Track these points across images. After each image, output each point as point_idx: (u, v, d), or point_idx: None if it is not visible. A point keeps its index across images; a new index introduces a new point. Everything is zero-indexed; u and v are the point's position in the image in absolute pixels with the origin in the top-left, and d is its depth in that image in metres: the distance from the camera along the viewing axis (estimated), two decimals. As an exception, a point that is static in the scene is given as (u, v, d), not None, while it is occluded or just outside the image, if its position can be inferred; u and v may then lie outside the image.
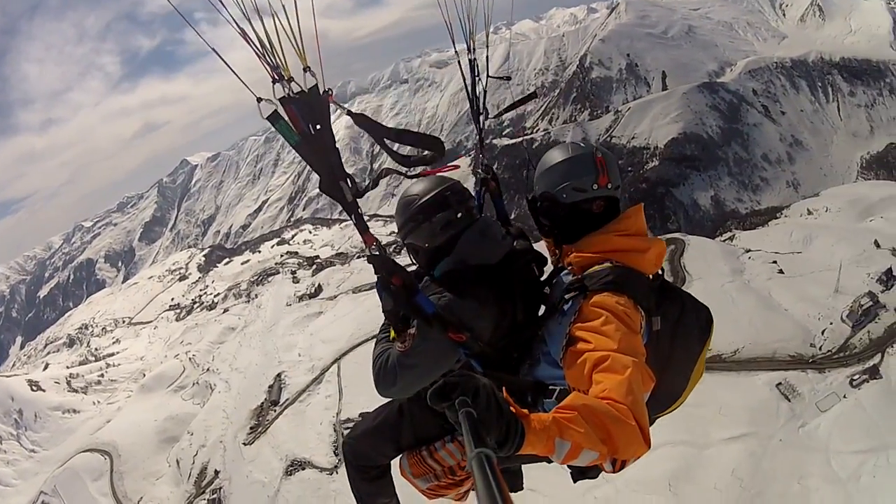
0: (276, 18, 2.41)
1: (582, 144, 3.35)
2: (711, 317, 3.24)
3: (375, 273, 2.95)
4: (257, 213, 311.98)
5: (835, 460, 44.20)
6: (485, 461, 1.43)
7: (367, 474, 3.75)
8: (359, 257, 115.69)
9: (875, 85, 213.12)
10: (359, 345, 76.09)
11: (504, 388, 2.01)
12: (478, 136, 4.66)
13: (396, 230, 3.46)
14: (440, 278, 3.23)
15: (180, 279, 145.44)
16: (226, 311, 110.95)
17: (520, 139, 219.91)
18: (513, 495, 3.79)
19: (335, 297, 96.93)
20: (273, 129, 2.56)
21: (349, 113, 2.86)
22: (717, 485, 42.80)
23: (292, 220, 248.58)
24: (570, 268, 3.15)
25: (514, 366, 3.21)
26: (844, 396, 50.25)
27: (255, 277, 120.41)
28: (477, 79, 4.53)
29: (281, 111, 2.50)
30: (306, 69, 2.54)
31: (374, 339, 3.42)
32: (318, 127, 2.61)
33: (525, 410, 1.99)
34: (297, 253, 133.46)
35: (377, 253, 2.95)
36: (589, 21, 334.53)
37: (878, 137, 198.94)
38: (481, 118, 4.57)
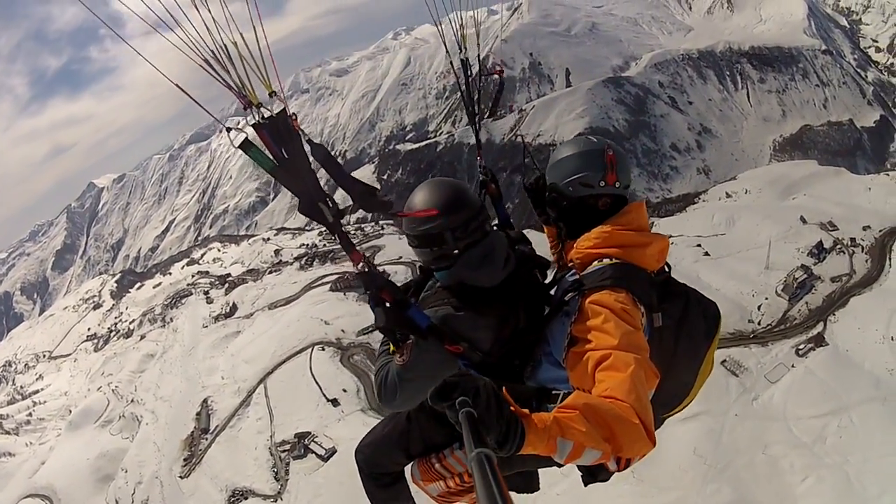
0: (238, 50, 2.55)
1: (595, 140, 3.43)
2: (719, 312, 3.33)
3: (365, 290, 2.98)
4: (165, 233, 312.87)
5: (795, 427, 46.98)
6: (484, 461, 1.48)
7: (381, 481, 3.86)
8: (270, 272, 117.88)
9: (787, 71, 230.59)
10: (282, 363, 77.47)
11: (504, 389, 2.06)
12: (476, 138, 4.77)
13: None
14: (440, 288, 3.33)
15: (95, 308, 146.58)
16: (143, 337, 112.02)
17: (423, 143, 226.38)
18: (524, 496, 3.73)
19: (251, 314, 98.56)
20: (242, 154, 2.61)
21: (309, 142, 2.87)
22: (681, 465, 44.32)
23: (200, 238, 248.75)
24: (571, 264, 3.27)
25: (516, 372, 3.28)
26: (793, 366, 53.79)
27: (169, 300, 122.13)
28: (470, 78, 4.68)
29: (251, 136, 2.63)
30: (272, 94, 2.70)
31: (377, 354, 3.48)
32: (291, 150, 2.70)
33: (525, 410, 2.04)
34: (207, 272, 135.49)
35: (365, 270, 2.97)
36: (489, 23, 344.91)
37: (790, 120, 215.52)
38: (476, 118, 4.68)
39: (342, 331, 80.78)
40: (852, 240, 73.83)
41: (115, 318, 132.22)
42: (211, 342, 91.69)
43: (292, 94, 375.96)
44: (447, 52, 4.62)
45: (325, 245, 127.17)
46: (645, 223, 3.23)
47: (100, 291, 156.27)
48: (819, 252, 72.15)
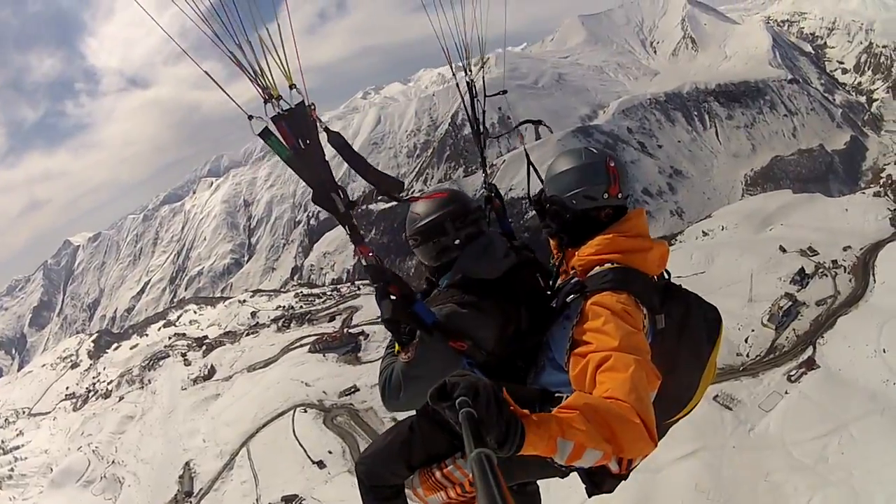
0: (263, 44, 2.73)
1: (595, 151, 3.52)
2: (720, 317, 3.37)
3: (372, 283, 3.09)
4: (140, 294, 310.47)
5: (795, 450, 47.16)
6: (484, 461, 1.47)
7: (381, 494, 3.85)
8: (248, 334, 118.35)
9: (754, 104, 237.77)
10: (265, 425, 77.32)
11: (505, 389, 2.09)
12: (480, 157, 4.93)
13: (408, 240, 3.71)
14: (445, 289, 3.42)
15: (72, 367, 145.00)
16: (121, 398, 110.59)
17: (396, 202, 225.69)
18: None
19: (230, 377, 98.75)
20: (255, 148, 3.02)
21: (326, 129, 3.02)
22: (683, 502, 44.23)
23: (175, 300, 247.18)
24: (573, 272, 3.31)
25: (520, 375, 3.34)
26: (786, 392, 54.30)
27: (146, 362, 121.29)
28: (475, 100, 4.86)
29: (272, 128, 2.78)
30: (292, 87, 2.82)
31: (383, 356, 3.59)
32: (308, 141, 2.85)
33: (526, 411, 2.07)
34: (184, 334, 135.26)
35: (373, 263, 3.09)
36: (457, 80, 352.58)
37: (760, 154, 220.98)
38: (483, 138, 4.90)
39: (324, 392, 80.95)
40: (834, 262, 75.21)
41: (93, 378, 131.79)
42: (190, 404, 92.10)
43: (263, 154, 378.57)
44: (453, 74, 4.71)
45: (301, 307, 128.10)
46: (645, 230, 3.29)
47: (77, 351, 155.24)
48: (801, 279, 73.23)
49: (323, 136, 2.97)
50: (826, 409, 50.43)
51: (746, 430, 51.31)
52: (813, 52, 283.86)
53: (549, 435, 2.04)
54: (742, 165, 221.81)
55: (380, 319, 3.18)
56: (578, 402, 2.20)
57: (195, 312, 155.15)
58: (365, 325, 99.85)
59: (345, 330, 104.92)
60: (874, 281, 69.03)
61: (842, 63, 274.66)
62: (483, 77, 4.82)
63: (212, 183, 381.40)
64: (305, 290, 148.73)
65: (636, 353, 2.53)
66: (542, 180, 3.94)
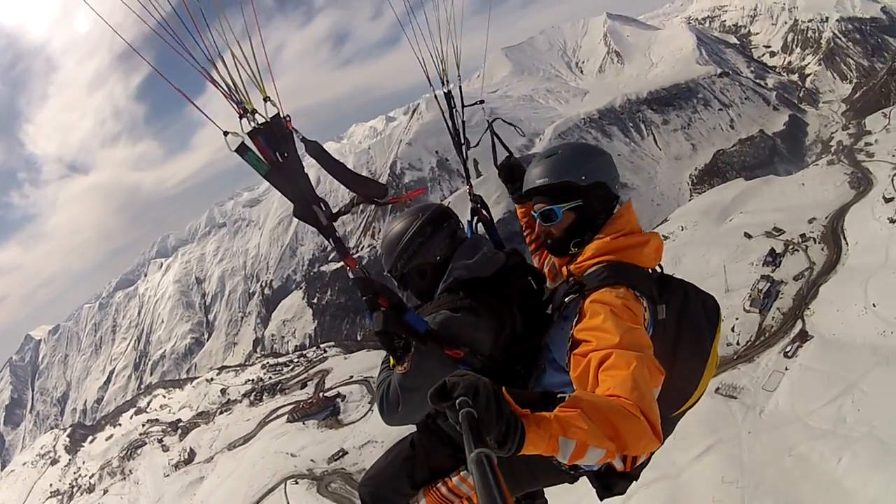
0: (235, 57, 2.77)
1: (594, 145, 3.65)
2: (718, 305, 3.41)
3: (362, 296, 3.13)
4: (107, 384, 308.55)
5: (811, 420, 48.04)
6: (484, 461, 1.51)
7: None
8: (221, 413, 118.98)
9: (688, 105, 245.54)
10: (258, 502, 76.64)
11: (504, 389, 2.12)
12: (463, 167, 5.02)
13: (391, 266, 3.59)
14: (437, 296, 3.41)
15: (52, 463, 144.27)
16: (105, 492, 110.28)
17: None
18: None
19: (212, 458, 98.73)
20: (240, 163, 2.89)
21: (304, 139, 3.03)
22: (714, 498, 44.37)
23: (143, 386, 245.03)
24: (570, 278, 3.30)
25: (519, 380, 3.36)
26: (786, 369, 55.67)
27: (124, 452, 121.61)
28: (454, 111, 4.85)
29: (249, 144, 2.81)
30: (266, 99, 2.83)
31: (379, 372, 3.58)
32: (286, 154, 2.88)
33: (526, 411, 2.09)
34: (157, 420, 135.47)
35: (361, 275, 3.15)
36: (390, 129, 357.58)
37: (702, 152, 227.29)
38: (463, 148, 4.89)
39: (311, 461, 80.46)
40: (802, 236, 77.99)
41: (75, 473, 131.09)
42: (176, 491, 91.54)
43: (209, 229, 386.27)
44: (430, 85, 4.59)
45: (270, 378, 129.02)
46: (637, 224, 3.31)
47: (54, 447, 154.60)
48: (773, 259, 75.44)
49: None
50: (830, 374, 51.63)
51: (757, 414, 51.98)
52: (738, 42, 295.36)
53: (549, 434, 2.05)
54: (685, 167, 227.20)
55: (371, 332, 3.21)
56: (579, 401, 2.22)
57: (164, 397, 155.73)
58: (339, 386, 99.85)
59: (320, 394, 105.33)
60: (847, 244, 71.80)
61: (769, 47, 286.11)
62: (460, 87, 4.81)
63: (161, 264, 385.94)
64: (271, 361, 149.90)
65: (637, 349, 2.57)
66: (508, 150, 4.68)
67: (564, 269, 3.34)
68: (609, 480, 3.00)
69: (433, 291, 3.46)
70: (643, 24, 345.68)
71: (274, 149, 2.82)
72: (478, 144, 4.97)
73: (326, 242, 3.15)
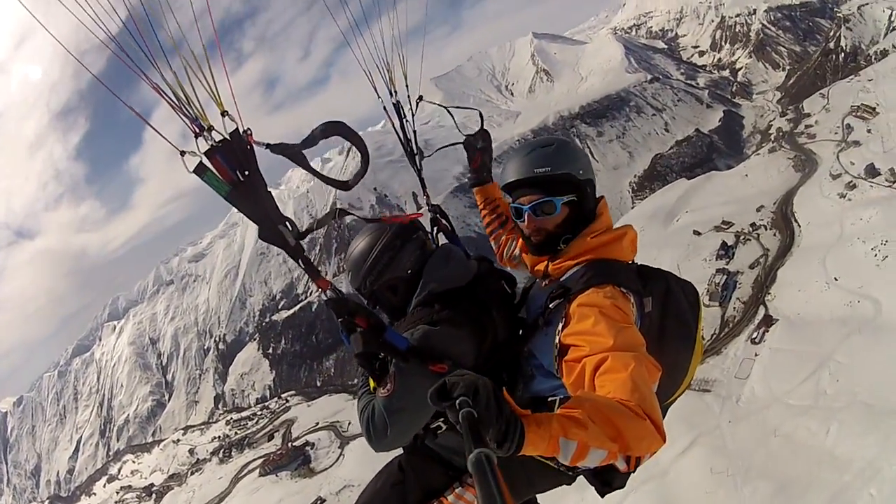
0: (187, 68, 2.57)
1: None
2: (697, 291, 3.44)
3: (337, 318, 2.99)
4: (76, 453, 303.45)
5: (791, 398, 48.57)
6: (484, 461, 1.50)
7: None
8: (192, 473, 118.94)
9: (621, 114, 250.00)
10: None
11: (504, 389, 2.13)
12: (419, 177, 4.80)
13: (359, 284, 3.49)
14: (412, 312, 3.33)
15: None
16: None
17: (297, 307, 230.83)
18: None
19: None
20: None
21: (268, 146, 2.88)
22: (706, 490, 44.38)
23: (111, 453, 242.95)
24: (546, 280, 3.32)
25: (506, 388, 3.10)
26: (756, 355, 56.37)
27: None
28: (405, 121, 4.72)
29: (207, 163, 2.62)
30: (224, 114, 2.64)
31: (358, 395, 3.45)
32: (247, 172, 2.68)
33: (527, 411, 2.10)
34: (130, 486, 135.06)
35: (335, 296, 2.99)
36: (326, 171, 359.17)
37: (639, 159, 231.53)
38: (417, 158, 4.76)
39: None
40: (752, 225, 79.66)
41: None
42: None
43: (157, 287, 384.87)
44: (379, 97, 4.54)
45: (236, 433, 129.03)
46: (611, 220, 3.29)
47: None
48: (726, 251, 76.86)
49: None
50: (802, 352, 52.46)
51: (734, 402, 52.38)
52: (666, 46, 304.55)
53: (549, 434, 2.04)
54: (624, 175, 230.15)
55: (351, 355, 3.06)
56: (581, 402, 2.21)
57: (134, 462, 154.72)
58: (307, 434, 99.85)
59: (289, 445, 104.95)
60: (798, 226, 73.44)
61: (697, 47, 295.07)
62: (409, 96, 4.68)
63: (115, 327, 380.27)
64: (235, 416, 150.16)
65: (632, 348, 2.53)
66: (469, 134, 4.73)
67: (540, 267, 3.33)
68: (607, 475, 2.85)
69: (406, 307, 3.40)
70: (570, 39, 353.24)
71: (234, 167, 2.61)
72: (431, 155, 4.95)
73: (295, 264, 2.92)
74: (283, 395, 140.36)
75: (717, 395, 54.12)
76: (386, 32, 4.26)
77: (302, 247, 2.84)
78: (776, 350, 55.38)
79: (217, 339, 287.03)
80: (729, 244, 78.00)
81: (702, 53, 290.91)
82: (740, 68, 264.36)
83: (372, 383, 3.19)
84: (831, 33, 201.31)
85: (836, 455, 40.57)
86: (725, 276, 72.24)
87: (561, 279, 3.12)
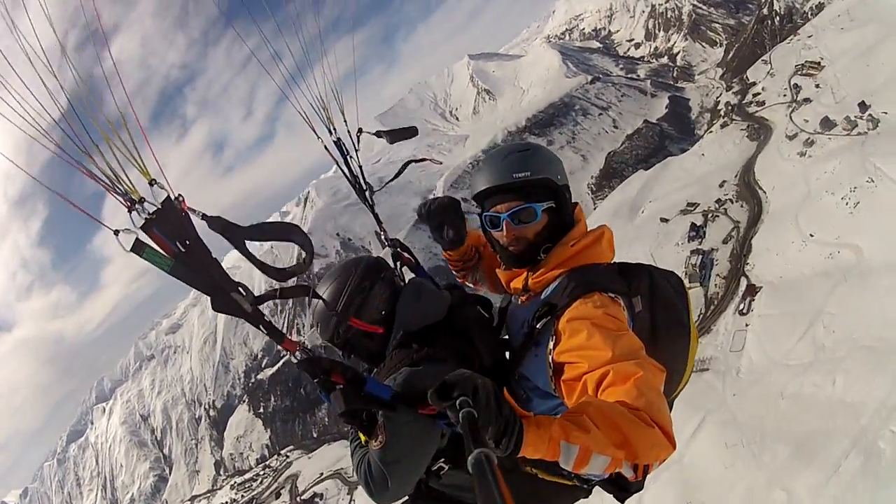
0: (110, 143, 2.45)
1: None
2: (680, 278, 3.37)
3: (312, 378, 2.80)
4: None
5: (790, 359, 48.93)
6: (484, 461, 1.48)
7: None
8: None
9: (567, 119, 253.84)
10: None
11: (505, 389, 2.15)
12: (372, 212, 4.64)
13: (331, 334, 3.39)
14: (390, 356, 3.24)
15: None
16: None
17: (281, 363, 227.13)
18: None
19: None
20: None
21: (204, 217, 2.70)
22: (724, 464, 44.30)
23: None
24: (524, 295, 3.21)
25: None
26: (747, 325, 56.86)
27: None
28: (349, 157, 4.59)
29: (144, 239, 2.45)
30: (152, 183, 2.49)
31: (351, 451, 3.34)
32: (188, 241, 2.52)
33: (529, 413, 2.10)
34: None
35: (305, 356, 2.84)
36: (287, 220, 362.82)
37: (593, 159, 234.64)
38: (367, 194, 4.58)
39: None
40: (717, 201, 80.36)
41: None
42: None
43: (139, 364, 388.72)
44: (318, 137, 4.45)
45: (242, 496, 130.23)
46: (585, 223, 3.20)
47: None
48: (697, 232, 77.38)
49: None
50: (793, 313, 52.85)
51: (735, 375, 52.53)
52: (601, 45, 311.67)
53: (550, 436, 2.04)
54: (581, 179, 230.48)
55: (336, 414, 2.84)
56: (586, 406, 2.20)
57: None
58: (313, 486, 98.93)
59: (297, 500, 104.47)
60: (764, 192, 74.34)
61: (632, 40, 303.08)
62: (349, 132, 4.58)
63: (104, 409, 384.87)
64: (238, 479, 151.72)
65: (632, 356, 2.47)
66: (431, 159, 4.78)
67: (517, 283, 3.19)
68: (623, 481, 2.60)
69: (384, 350, 3.30)
70: (506, 55, 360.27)
71: (172, 238, 2.45)
72: (381, 189, 4.85)
73: (258, 330, 2.73)
74: (282, 452, 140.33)
75: (716, 371, 54.12)
76: (318, 74, 4.17)
77: (260, 312, 2.63)
78: (766, 316, 55.82)
79: (207, 406, 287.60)
80: (698, 224, 78.41)
81: (638, 45, 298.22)
82: (678, 52, 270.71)
83: (363, 437, 3.05)
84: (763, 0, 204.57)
85: (847, 403, 40.64)
86: (701, 256, 72.70)
87: (543, 294, 3.02)
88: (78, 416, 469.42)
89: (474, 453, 1.51)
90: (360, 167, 4.52)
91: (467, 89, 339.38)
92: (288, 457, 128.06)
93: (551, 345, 2.72)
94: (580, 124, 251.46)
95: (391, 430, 2.87)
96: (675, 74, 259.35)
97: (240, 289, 2.56)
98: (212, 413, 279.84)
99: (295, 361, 2.73)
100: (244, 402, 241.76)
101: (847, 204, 59.80)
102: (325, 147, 4.43)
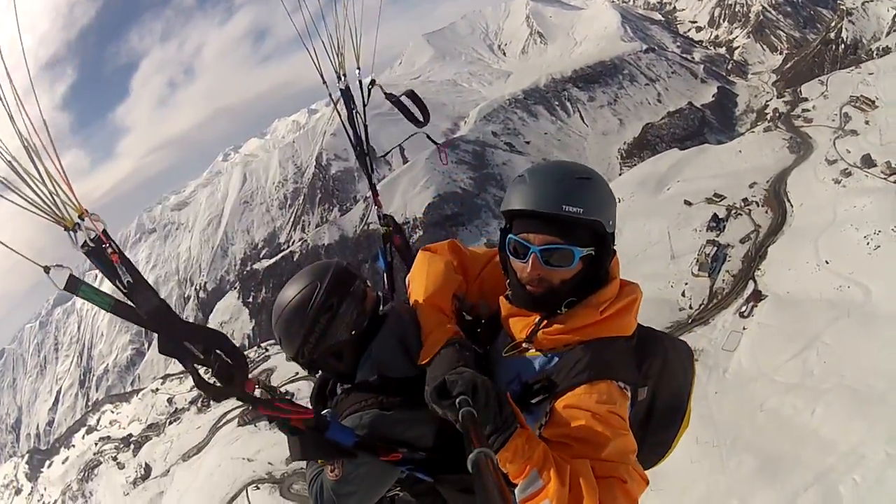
0: (35, 161, 2.02)
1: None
2: (691, 351, 3.17)
3: (270, 421, 2.66)
4: (56, 405, 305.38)
5: (777, 375, 50.14)
6: (484, 461, 1.48)
7: None
8: (170, 423, 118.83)
9: (613, 82, 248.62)
10: None
11: (508, 394, 2.15)
12: (368, 182, 4.21)
13: (294, 353, 3.01)
14: (360, 386, 2.94)
15: (16, 493, 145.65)
16: None
17: (279, 256, 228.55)
18: None
19: (168, 471, 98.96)
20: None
21: (129, 265, 2.29)
22: (692, 459, 45.11)
23: (90, 404, 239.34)
24: (528, 344, 2.73)
25: None
26: (744, 328, 57.74)
27: (81, 474, 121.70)
28: (355, 112, 4.12)
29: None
30: (82, 215, 2.12)
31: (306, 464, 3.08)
32: (130, 276, 2.23)
33: (528, 427, 2.12)
34: (109, 437, 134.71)
35: (260, 398, 2.57)
36: (313, 122, 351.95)
37: (629, 126, 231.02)
38: (368, 159, 4.17)
39: (269, 464, 79.96)
40: (744, 200, 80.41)
41: (38, 501, 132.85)
42: None
43: (139, 236, 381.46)
44: (324, 82, 3.87)
45: (215, 383, 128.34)
46: (619, 281, 2.75)
47: (15, 475, 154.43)
48: (717, 223, 77.66)
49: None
50: (790, 330, 53.85)
51: (721, 374, 53.81)
52: (663, 18, 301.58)
53: (528, 456, 2.01)
54: (613, 142, 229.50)
55: (290, 459, 2.77)
56: (579, 465, 2.12)
57: (112, 412, 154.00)
58: (286, 384, 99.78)
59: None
60: (791, 206, 74.53)
61: (695, 22, 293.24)
62: (361, 83, 4.06)
63: (96, 276, 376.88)
64: None
65: (624, 459, 2.29)
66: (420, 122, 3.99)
67: (522, 327, 2.70)
68: None
69: (354, 371, 2.97)
70: (566, 4, 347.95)
71: (114, 274, 2.19)
72: (386, 155, 4.49)
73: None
74: (262, 345, 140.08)
75: (705, 364, 54.98)
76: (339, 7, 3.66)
77: (219, 356, 2.38)
78: (764, 325, 56.75)
79: (198, 287, 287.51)
80: (720, 217, 78.86)
81: (699, 29, 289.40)
82: (737, 47, 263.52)
83: (319, 462, 2.84)
84: (833, 24, 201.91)
85: (821, 435, 42.11)
86: (716, 248, 73.18)
87: (548, 355, 2.64)
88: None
89: (474, 453, 1.50)
90: (366, 126, 4.14)
91: (520, 28, 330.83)
92: (267, 350, 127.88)
93: (543, 420, 2.46)
94: (625, 89, 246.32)
95: (348, 467, 2.70)
96: (728, 67, 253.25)
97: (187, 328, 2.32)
98: (201, 295, 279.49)
99: (249, 403, 2.47)
100: (235, 288, 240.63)
101: (868, 244, 60.24)
102: (330, 95, 4.00)
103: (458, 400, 1.90)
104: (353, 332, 2.94)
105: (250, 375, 2.45)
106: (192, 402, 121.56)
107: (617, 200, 2.73)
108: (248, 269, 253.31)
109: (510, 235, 2.65)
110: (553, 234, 2.51)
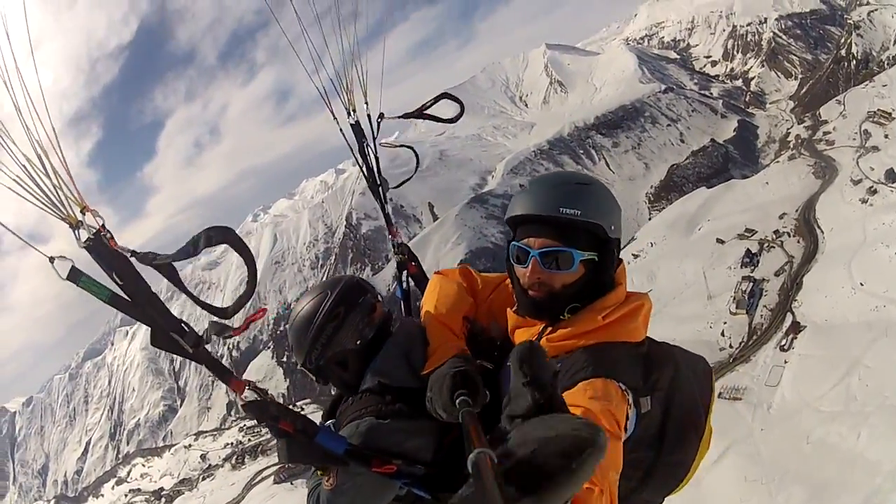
0: (42, 161, 2.13)
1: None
2: (709, 368, 3.11)
3: (259, 423, 2.71)
4: (85, 455, 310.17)
5: (822, 404, 49.52)
6: (484, 461, 1.46)
7: None
8: (203, 479, 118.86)
9: (636, 125, 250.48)
10: None
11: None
12: (382, 212, 4.19)
13: (303, 360, 3.10)
14: (360, 396, 2.99)
15: None
16: None
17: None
18: None
19: None
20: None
21: (133, 253, 2.39)
22: (741, 498, 44.95)
23: (121, 456, 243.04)
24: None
25: None
26: (785, 362, 57.09)
27: None
28: (366, 145, 4.08)
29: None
30: (84, 210, 2.22)
31: (308, 477, 3.15)
32: (126, 273, 2.34)
33: None
34: (139, 489, 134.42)
35: (253, 398, 2.63)
36: (340, 182, 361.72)
37: (655, 169, 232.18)
38: (381, 190, 4.15)
39: None
40: (775, 232, 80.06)
41: None
42: None
43: (171, 294, 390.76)
44: (335, 118, 3.91)
45: (250, 440, 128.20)
46: (625, 288, 2.77)
47: None
48: (751, 259, 77.29)
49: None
50: (831, 358, 53.29)
51: (765, 410, 53.12)
52: (679, 56, 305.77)
53: None
54: (640, 186, 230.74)
55: (279, 462, 2.90)
56: None
57: (144, 465, 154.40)
58: None
59: None
60: (822, 232, 74.27)
61: (709, 56, 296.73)
62: (369, 117, 4.03)
63: (127, 332, 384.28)
64: (249, 423, 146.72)
65: (602, 472, 2.08)
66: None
67: (526, 336, 2.73)
68: None
69: (359, 381, 3.01)
70: (582, 50, 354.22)
71: (112, 269, 2.27)
72: (399, 186, 4.47)
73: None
74: (297, 404, 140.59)
75: (749, 402, 54.74)
76: (345, 47, 3.77)
77: (205, 351, 2.49)
78: (805, 356, 56.17)
79: (231, 346, 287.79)
80: (753, 252, 78.53)
81: (714, 63, 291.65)
82: (753, 77, 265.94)
83: (317, 471, 2.89)
84: (842, 40, 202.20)
85: (867, 458, 41.45)
86: (752, 284, 72.67)
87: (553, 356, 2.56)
88: (99, 335, 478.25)
89: (474, 453, 1.47)
90: (377, 158, 4.10)
91: (540, 77, 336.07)
92: (303, 409, 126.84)
93: None
94: (647, 132, 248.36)
95: (342, 476, 2.71)
96: (746, 99, 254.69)
97: (182, 327, 2.46)
98: (234, 354, 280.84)
99: (241, 404, 2.59)
100: (269, 348, 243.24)
101: (899, 259, 59.43)
102: (341, 130, 3.98)
103: (457, 400, 1.91)
104: (359, 342, 2.98)
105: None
106: (225, 459, 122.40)
107: (621, 208, 2.82)
108: (282, 328, 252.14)
109: (513, 242, 2.70)
110: (551, 236, 2.57)
